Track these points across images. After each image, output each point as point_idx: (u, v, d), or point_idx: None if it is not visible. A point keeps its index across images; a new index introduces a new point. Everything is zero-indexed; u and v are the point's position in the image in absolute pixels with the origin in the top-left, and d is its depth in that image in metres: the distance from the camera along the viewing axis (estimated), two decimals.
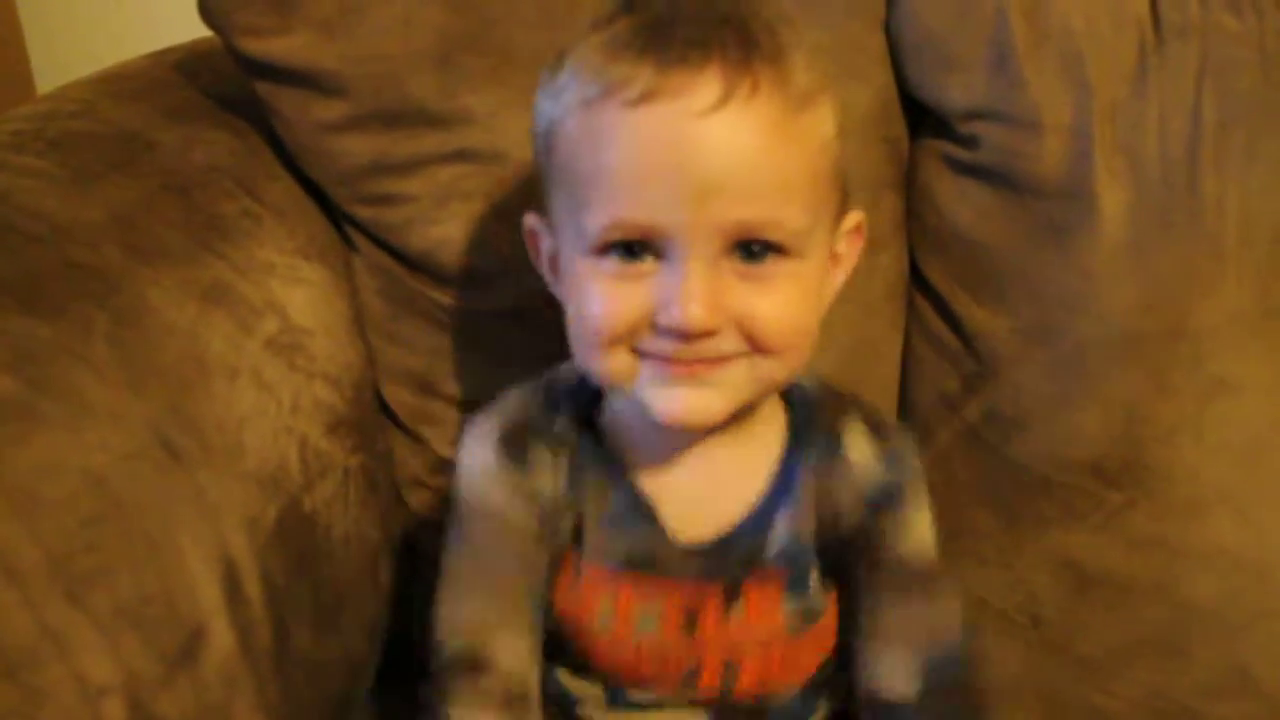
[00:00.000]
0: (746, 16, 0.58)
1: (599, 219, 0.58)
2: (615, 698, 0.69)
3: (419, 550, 0.88)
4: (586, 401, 0.68)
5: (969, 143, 0.86)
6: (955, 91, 0.86)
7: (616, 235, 0.58)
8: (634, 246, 0.58)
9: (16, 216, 0.67)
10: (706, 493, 0.65)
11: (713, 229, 0.56)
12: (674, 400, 0.59)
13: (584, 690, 0.70)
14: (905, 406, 0.92)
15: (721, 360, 0.58)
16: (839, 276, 0.66)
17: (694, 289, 0.56)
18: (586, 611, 0.67)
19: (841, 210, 0.64)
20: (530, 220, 0.67)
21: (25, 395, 0.59)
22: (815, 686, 0.70)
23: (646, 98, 0.56)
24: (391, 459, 0.87)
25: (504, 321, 0.83)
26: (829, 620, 0.68)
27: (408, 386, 0.86)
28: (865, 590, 0.66)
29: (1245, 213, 0.81)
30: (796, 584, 0.65)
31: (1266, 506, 0.80)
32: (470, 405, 0.85)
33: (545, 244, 0.66)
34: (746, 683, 0.67)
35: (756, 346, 0.58)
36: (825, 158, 0.60)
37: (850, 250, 0.66)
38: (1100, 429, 0.82)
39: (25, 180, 0.70)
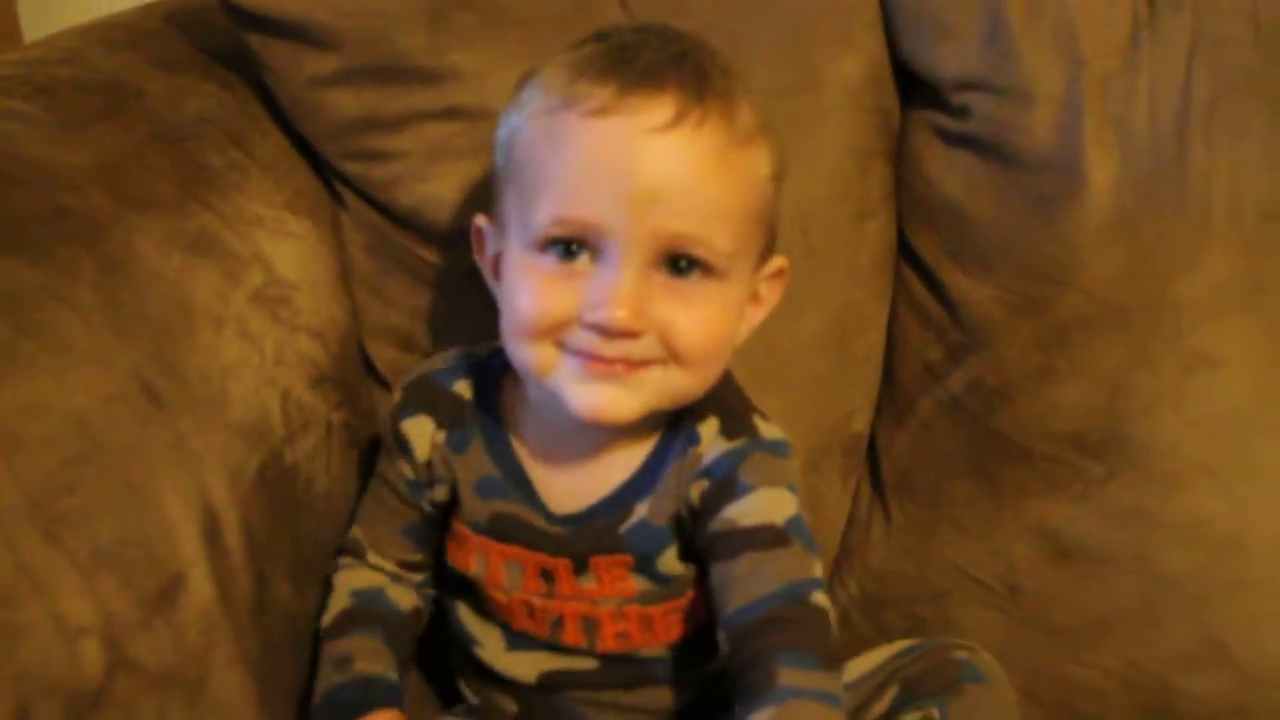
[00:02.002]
0: (703, 57, 0.64)
1: (546, 213, 0.62)
2: (513, 642, 0.74)
3: None
4: (495, 372, 0.73)
5: (960, 113, 0.86)
6: (947, 61, 0.86)
7: (559, 231, 0.62)
8: (572, 246, 0.63)
9: (1, 160, 0.67)
10: (579, 476, 0.70)
11: (648, 236, 0.61)
12: (591, 396, 0.63)
13: (484, 633, 0.75)
14: (889, 375, 0.92)
15: (640, 364, 0.63)
16: (758, 315, 0.71)
17: (623, 292, 0.61)
18: (464, 563, 0.73)
19: (767, 250, 0.69)
20: (480, 220, 0.71)
21: (8, 336, 0.59)
22: (686, 649, 0.72)
23: (605, 111, 0.61)
24: (375, 416, 0.87)
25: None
26: (693, 596, 0.70)
27: (392, 343, 0.86)
28: (707, 558, 0.67)
29: (1233, 187, 0.81)
30: (643, 565, 0.69)
31: (1245, 479, 0.80)
32: None
33: (490, 245, 0.70)
34: (608, 639, 0.71)
35: (673, 355, 0.63)
36: (757, 195, 0.66)
37: (770, 293, 0.71)
38: (1082, 400, 0.83)
39: (11, 125, 0.70)
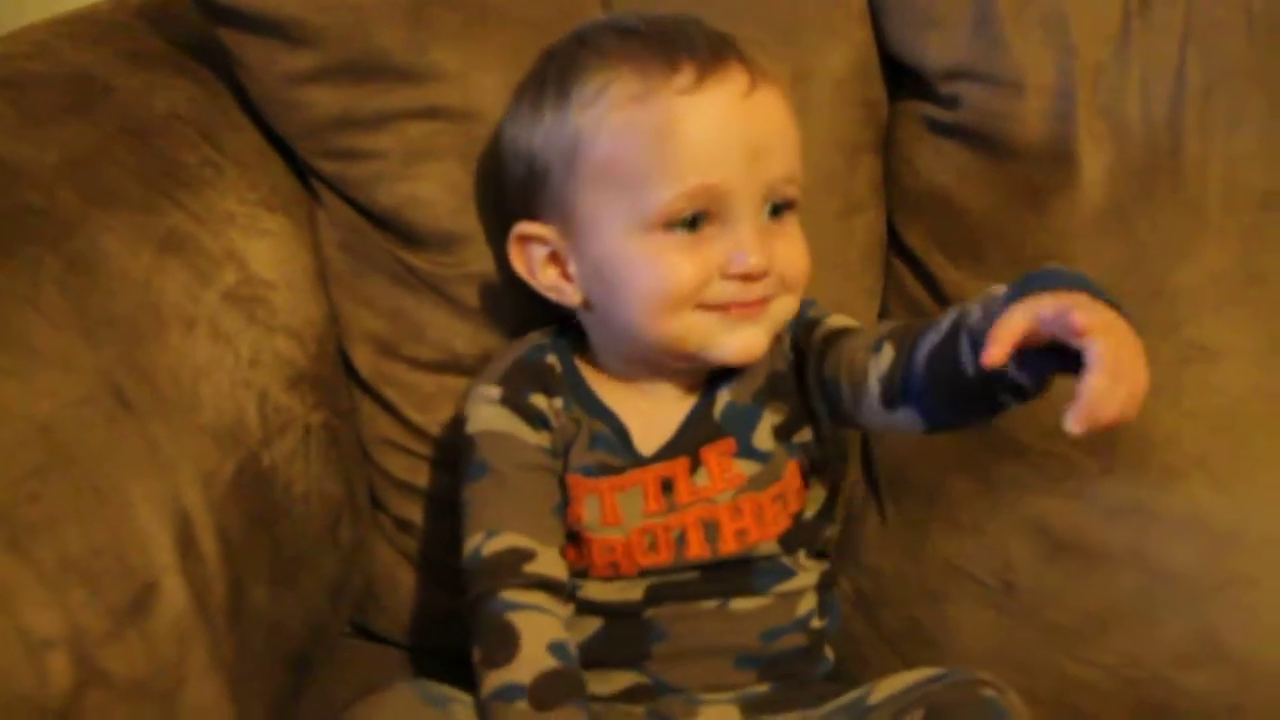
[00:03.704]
0: (721, 31, 0.72)
1: (672, 190, 0.68)
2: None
3: (384, 510, 0.87)
4: (565, 347, 0.78)
5: (949, 103, 0.85)
6: (936, 51, 0.85)
7: (690, 206, 0.68)
8: (696, 218, 0.69)
9: None
10: (663, 417, 0.75)
11: (762, 187, 0.70)
12: (741, 340, 0.71)
13: (619, 594, 0.75)
14: None
15: (767, 300, 0.71)
16: None
17: (755, 239, 0.69)
18: (578, 519, 0.74)
19: None
20: (525, 228, 0.73)
21: None
22: (792, 538, 0.75)
23: (697, 86, 0.68)
24: (356, 416, 0.85)
25: (468, 284, 0.82)
26: (791, 479, 0.75)
27: (369, 346, 0.84)
28: (826, 352, 0.73)
29: (1229, 177, 0.80)
30: (744, 447, 0.75)
31: (1243, 472, 0.79)
32: (431, 368, 0.84)
33: (539, 250, 0.74)
34: (729, 540, 0.74)
35: (786, 286, 0.72)
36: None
37: None
38: None
39: None
